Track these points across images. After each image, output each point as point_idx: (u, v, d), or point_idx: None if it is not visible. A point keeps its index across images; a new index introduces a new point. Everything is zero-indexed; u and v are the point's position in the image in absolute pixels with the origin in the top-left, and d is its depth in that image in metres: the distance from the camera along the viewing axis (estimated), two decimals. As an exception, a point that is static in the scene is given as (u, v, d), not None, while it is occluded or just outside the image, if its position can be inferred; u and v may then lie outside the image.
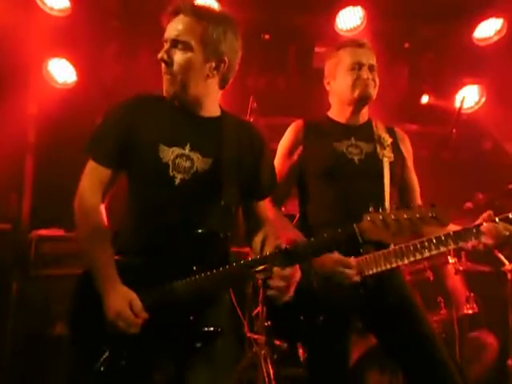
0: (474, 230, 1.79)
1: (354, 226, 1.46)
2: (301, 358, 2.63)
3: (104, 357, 1.43)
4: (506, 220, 1.76)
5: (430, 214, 1.43)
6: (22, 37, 3.16)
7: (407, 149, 2.12)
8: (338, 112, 2.07)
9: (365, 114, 2.08)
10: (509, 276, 2.73)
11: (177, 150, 1.55)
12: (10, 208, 3.37)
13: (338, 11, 3.33)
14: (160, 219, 1.53)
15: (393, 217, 1.43)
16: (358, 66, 1.99)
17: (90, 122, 3.65)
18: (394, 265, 1.79)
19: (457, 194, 3.30)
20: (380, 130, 2.04)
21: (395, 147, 2.04)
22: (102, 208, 1.55)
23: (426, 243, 1.77)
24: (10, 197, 3.39)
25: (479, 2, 3.27)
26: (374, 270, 1.79)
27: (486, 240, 1.75)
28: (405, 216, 1.43)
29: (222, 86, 1.62)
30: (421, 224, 1.43)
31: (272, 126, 3.72)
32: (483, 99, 3.59)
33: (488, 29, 3.40)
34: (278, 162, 2.01)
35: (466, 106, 3.57)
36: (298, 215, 2.14)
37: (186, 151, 1.55)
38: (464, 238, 1.80)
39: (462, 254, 3.16)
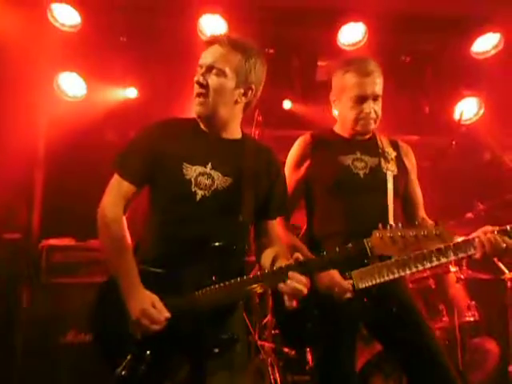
0: (473, 242, 1.83)
1: (365, 241, 1.54)
2: (309, 364, 2.70)
3: (125, 361, 1.50)
4: (504, 232, 1.80)
5: (435, 232, 1.51)
6: (34, 51, 3.26)
7: (411, 162, 2.16)
8: (342, 127, 2.13)
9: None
10: (508, 284, 2.80)
11: (199, 169, 1.67)
12: (20, 218, 3.44)
13: (340, 26, 3.43)
14: (181, 232, 1.63)
15: (400, 234, 1.52)
16: (361, 100, 2.01)
17: (99, 134, 3.76)
18: (397, 275, 1.83)
19: (457, 203, 3.38)
20: (384, 144, 2.10)
21: (399, 160, 2.09)
22: (124, 220, 1.65)
23: (427, 254, 1.82)
24: (20, 207, 3.46)
25: (477, 18, 3.38)
26: (378, 281, 1.83)
27: (484, 251, 1.78)
28: (411, 234, 1.52)
29: (245, 110, 1.76)
30: (426, 241, 1.52)
31: (277, 139, 3.83)
32: (482, 111, 3.69)
33: (485, 43, 3.51)
34: (285, 174, 2.05)
35: (464, 117, 3.68)
36: (304, 227, 2.20)
37: (208, 170, 1.68)
38: (464, 249, 1.84)
39: (463, 263, 3.23)
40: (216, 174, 1.67)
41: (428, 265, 1.81)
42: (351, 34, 3.45)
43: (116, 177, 1.68)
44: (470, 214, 3.00)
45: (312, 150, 2.06)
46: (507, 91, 3.63)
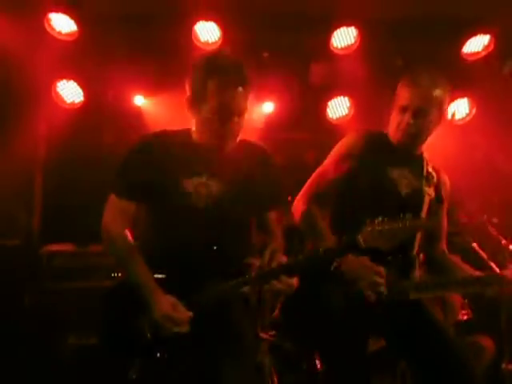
0: (498, 278, 1.86)
1: (358, 235, 1.61)
2: (306, 364, 2.75)
3: (135, 364, 1.58)
4: None
5: (418, 223, 1.60)
6: (32, 60, 3.32)
7: (446, 192, 2.14)
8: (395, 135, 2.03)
9: (419, 147, 2.06)
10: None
11: (196, 180, 1.71)
12: (21, 224, 3.50)
13: (333, 31, 3.50)
14: (181, 239, 1.69)
15: (386, 226, 1.60)
16: (404, 110, 1.95)
17: (97, 139, 3.82)
18: (414, 296, 1.85)
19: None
20: (430, 167, 2.06)
21: (438, 187, 2.08)
22: (127, 233, 1.71)
23: (448, 283, 1.89)
24: (20, 213, 3.52)
25: (467, 20, 3.44)
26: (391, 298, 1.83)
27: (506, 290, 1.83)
28: (396, 225, 1.60)
29: None
30: (410, 231, 1.62)
31: (271, 141, 3.88)
32: (473, 111, 3.74)
33: (476, 45, 3.57)
34: (326, 165, 2.06)
35: (457, 117, 3.74)
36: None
37: (204, 179, 1.71)
38: (484, 284, 1.87)
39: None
40: (213, 183, 1.72)
41: (445, 292, 1.96)
42: (343, 38, 3.52)
43: (112, 196, 1.72)
44: (464, 219, 3.06)
45: (362, 150, 1.98)
46: (497, 91, 3.69)
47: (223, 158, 1.75)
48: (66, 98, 3.54)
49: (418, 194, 1.99)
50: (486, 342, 3.47)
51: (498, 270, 2.93)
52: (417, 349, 1.92)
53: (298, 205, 2.04)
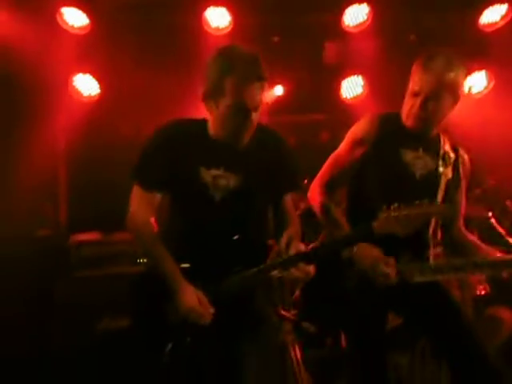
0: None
1: (372, 223, 1.64)
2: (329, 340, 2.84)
3: (168, 349, 1.67)
4: None
5: (435, 210, 1.61)
6: (47, 55, 3.38)
7: (465, 171, 2.12)
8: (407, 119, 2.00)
9: (434, 129, 2.02)
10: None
11: (214, 172, 1.74)
12: (48, 215, 3.64)
13: (345, 8, 3.45)
14: (202, 230, 1.74)
15: (403, 212, 1.62)
16: (416, 94, 1.91)
17: (115, 129, 3.90)
18: (428, 279, 1.87)
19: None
20: (446, 147, 2.04)
21: (455, 166, 2.05)
22: (153, 223, 1.77)
23: (464, 265, 1.87)
24: (47, 205, 3.66)
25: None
26: (410, 280, 1.85)
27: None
28: (413, 211, 1.62)
29: None
30: (427, 217, 1.65)
31: (285, 123, 3.91)
32: (491, 84, 3.68)
33: (493, 14, 3.48)
34: (341, 150, 2.05)
35: (474, 91, 3.68)
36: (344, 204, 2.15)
37: (222, 171, 1.75)
38: (501, 267, 1.88)
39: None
40: (230, 175, 1.75)
41: (462, 274, 1.89)
42: (356, 15, 3.47)
43: (137, 188, 1.76)
44: (478, 190, 3.05)
45: (375, 136, 1.98)
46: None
47: (239, 150, 1.78)
48: (82, 92, 3.60)
49: (434, 176, 1.98)
50: (505, 314, 3.52)
51: (515, 245, 2.96)
52: (433, 328, 1.98)
53: (315, 192, 2.06)
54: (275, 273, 1.66)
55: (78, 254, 3.31)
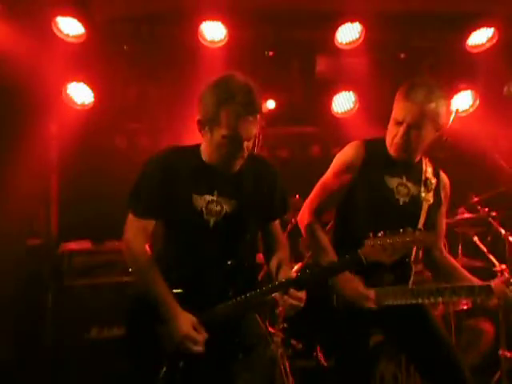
0: (487, 289, 1.94)
1: (359, 251, 1.72)
2: (316, 352, 2.92)
3: (162, 371, 1.72)
4: None
5: (418, 237, 1.69)
6: (41, 63, 3.38)
7: (446, 195, 2.20)
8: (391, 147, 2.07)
9: (416, 156, 2.09)
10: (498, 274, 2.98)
11: (208, 197, 1.80)
12: (39, 223, 3.64)
13: (338, 26, 3.52)
14: (196, 255, 1.80)
15: (388, 241, 1.71)
16: (398, 124, 1.99)
17: (108, 138, 3.91)
18: (408, 302, 1.95)
19: (453, 194, 3.54)
20: (428, 173, 2.11)
21: (436, 191, 2.12)
22: (147, 249, 1.82)
23: (442, 290, 1.95)
24: (38, 214, 3.65)
25: (472, 14, 3.46)
26: (391, 302, 1.95)
27: (495, 300, 1.97)
28: (398, 239, 1.71)
29: None
30: (411, 245, 1.73)
31: (277, 136, 3.97)
32: (477, 103, 3.80)
33: (480, 37, 3.60)
34: (328, 176, 2.13)
35: (461, 109, 3.80)
36: (332, 223, 2.26)
37: (215, 197, 1.81)
38: (477, 293, 1.97)
39: (459, 251, 3.43)
40: (223, 200, 1.81)
41: (439, 299, 1.96)
42: (348, 33, 3.54)
43: (131, 215, 1.81)
44: (462, 210, 3.16)
45: (361, 163, 2.06)
46: (500, 83, 3.74)
47: (232, 176, 1.84)
48: (76, 100, 3.60)
49: (416, 202, 2.06)
50: (486, 326, 3.65)
51: (496, 263, 3.08)
52: (410, 348, 2.09)
53: (304, 217, 2.15)
54: (268, 298, 1.72)
55: (70, 262, 3.33)
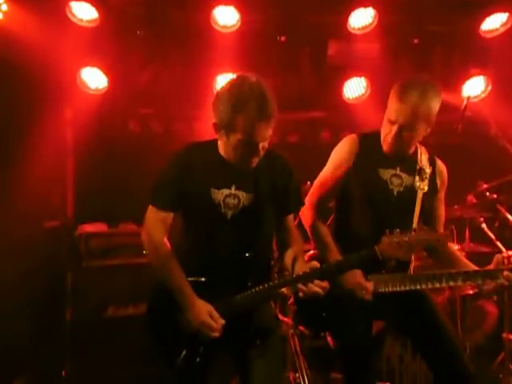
0: (482, 274, 1.99)
1: (375, 247, 1.78)
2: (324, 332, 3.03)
3: (182, 355, 1.83)
4: None
5: (434, 237, 1.76)
6: (55, 48, 3.41)
7: (442, 181, 2.24)
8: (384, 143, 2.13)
9: (409, 151, 2.13)
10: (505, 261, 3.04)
11: (225, 191, 1.87)
12: (56, 206, 3.73)
13: (351, 11, 3.50)
14: (215, 247, 1.87)
15: (405, 239, 1.77)
16: (392, 123, 2.04)
17: (122, 123, 3.96)
18: (407, 288, 2.01)
19: (462, 180, 3.57)
20: (423, 162, 2.16)
21: (432, 179, 2.17)
22: (166, 240, 1.90)
23: (439, 276, 2.00)
24: (54, 196, 3.74)
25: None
26: (390, 289, 2.03)
27: (491, 286, 2.00)
28: (414, 238, 1.77)
29: None
30: (426, 244, 1.77)
31: (288, 121, 4.00)
32: (489, 88, 3.79)
33: (494, 22, 3.57)
34: (327, 171, 2.21)
35: (472, 95, 3.78)
36: (332, 218, 2.34)
37: (233, 191, 1.88)
38: (472, 278, 2.02)
39: (466, 237, 3.48)
40: (241, 194, 1.88)
41: (437, 285, 2.00)
42: (361, 18, 3.53)
43: (152, 207, 1.90)
44: (471, 197, 3.20)
45: (356, 156, 2.13)
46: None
47: (249, 171, 1.90)
48: (90, 85, 3.64)
49: (411, 191, 2.12)
50: (490, 308, 3.74)
51: (503, 248, 3.14)
52: (413, 336, 2.18)
53: (306, 213, 2.21)
54: (289, 289, 1.79)
55: (86, 244, 3.44)
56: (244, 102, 1.73)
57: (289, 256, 1.96)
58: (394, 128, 2.03)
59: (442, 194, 2.26)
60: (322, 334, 2.98)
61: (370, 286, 2.01)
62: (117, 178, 3.85)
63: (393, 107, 2.04)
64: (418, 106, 1.99)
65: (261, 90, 1.75)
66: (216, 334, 1.78)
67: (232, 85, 1.81)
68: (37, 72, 3.42)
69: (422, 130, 2.06)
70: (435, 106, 2.04)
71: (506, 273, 1.98)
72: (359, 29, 3.57)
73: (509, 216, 3.13)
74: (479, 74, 3.74)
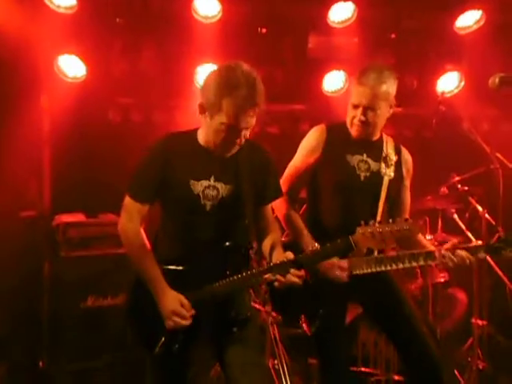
0: (443, 254, 2.10)
1: (350, 238, 1.85)
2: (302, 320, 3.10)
3: (161, 342, 1.85)
4: (469, 249, 2.08)
5: (405, 227, 1.82)
6: (32, 35, 3.33)
7: (408, 169, 2.36)
8: (351, 128, 2.25)
9: (375, 134, 2.27)
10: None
11: (205, 183, 1.88)
12: (32, 195, 3.67)
13: (331, 4, 3.55)
14: (195, 236, 1.90)
15: (378, 229, 1.83)
16: (355, 107, 2.19)
17: (100, 111, 3.91)
18: (374, 270, 2.15)
19: (436, 172, 3.69)
20: (389, 149, 2.28)
21: (398, 166, 2.29)
22: (142, 231, 1.91)
23: (402, 257, 2.12)
24: (30, 186, 3.68)
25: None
26: (359, 271, 2.16)
27: (450, 263, 2.08)
28: (387, 229, 1.83)
29: None
30: (399, 234, 1.84)
31: (268, 112, 4.01)
32: (462, 84, 3.91)
33: (468, 19, 3.68)
34: (297, 160, 2.29)
35: (447, 90, 3.90)
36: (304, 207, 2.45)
37: (212, 182, 1.89)
38: (432, 258, 2.13)
39: (439, 227, 3.61)
40: (220, 185, 1.90)
41: (400, 265, 2.13)
42: (341, 12, 3.58)
43: (128, 199, 1.90)
44: (444, 189, 3.32)
45: (325, 143, 2.24)
46: (487, 64, 3.84)
47: (228, 161, 1.92)
48: (68, 73, 3.58)
49: (377, 177, 2.23)
50: (460, 295, 3.91)
51: (473, 238, 3.28)
52: (379, 317, 2.28)
53: (281, 205, 2.27)
54: (267, 277, 1.83)
55: (64, 234, 3.40)
56: (235, 86, 1.73)
57: (266, 245, 2.00)
58: (359, 111, 2.16)
59: (407, 182, 2.38)
60: (299, 319, 3.05)
61: (344, 263, 2.09)
62: (95, 168, 3.81)
63: (354, 92, 2.19)
64: (376, 86, 2.13)
65: (252, 78, 1.78)
66: (187, 323, 1.81)
67: (226, 67, 1.81)
68: (12, 59, 3.34)
69: (384, 109, 2.18)
70: (392, 85, 2.19)
71: (458, 251, 2.10)
72: (339, 22, 3.62)
73: (479, 207, 3.26)
74: (453, 70, 3.86)
